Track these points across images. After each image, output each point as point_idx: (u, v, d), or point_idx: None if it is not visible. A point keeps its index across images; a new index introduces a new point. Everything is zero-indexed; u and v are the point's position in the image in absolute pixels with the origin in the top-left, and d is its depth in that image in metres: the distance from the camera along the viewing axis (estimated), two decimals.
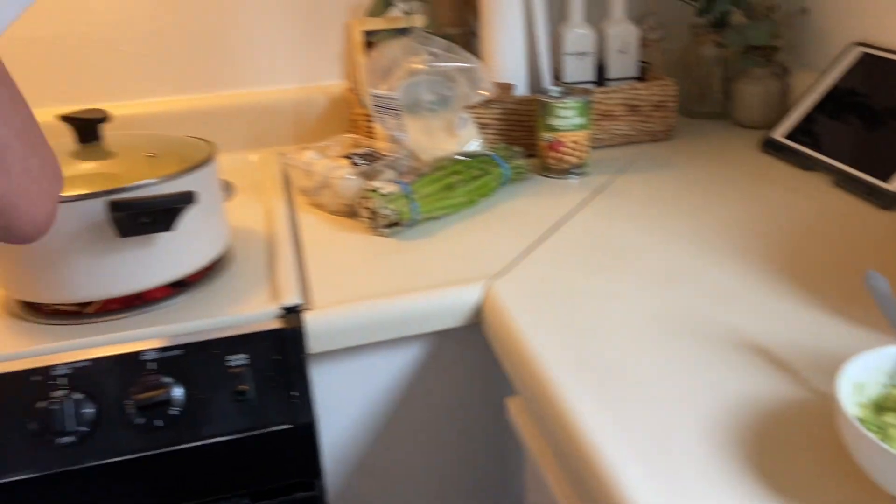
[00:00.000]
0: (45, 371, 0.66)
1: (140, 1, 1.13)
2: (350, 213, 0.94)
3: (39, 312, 0.74)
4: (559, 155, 1.02)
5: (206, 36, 1.18)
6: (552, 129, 1.00)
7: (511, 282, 0.76)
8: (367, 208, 0.88)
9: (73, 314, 0.73)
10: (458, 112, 0.98)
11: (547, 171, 1.04)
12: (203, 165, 0.76)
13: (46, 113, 1.18)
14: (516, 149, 1.03)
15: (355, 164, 0.95)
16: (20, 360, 0.67)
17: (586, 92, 1.03)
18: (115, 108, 1.22)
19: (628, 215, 0.91)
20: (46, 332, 0.71)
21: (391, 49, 0.95)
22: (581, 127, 1.00)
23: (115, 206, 0.66)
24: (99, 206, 0.67)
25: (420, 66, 0.92)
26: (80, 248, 0.69)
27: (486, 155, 0.99)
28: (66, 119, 0.76)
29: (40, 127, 0.47)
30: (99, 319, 0.73)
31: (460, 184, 0.92)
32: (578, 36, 1.14)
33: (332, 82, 1.26)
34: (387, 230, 0.88)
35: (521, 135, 1.08)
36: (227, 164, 0.95)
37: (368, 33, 1.20)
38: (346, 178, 0.91)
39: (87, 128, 0.76)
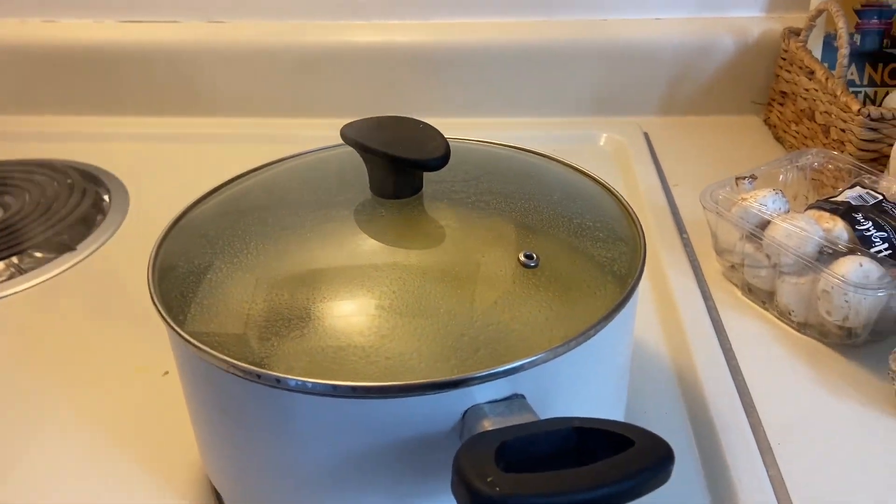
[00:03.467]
0: None
1: None
2: (836, 336, 0.48)
3: None
4: None
5: None
6: None
7: None
8: None
9: None
10: None
11: None
12: (632, 290, 0.33)
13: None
14: None
15: (866, 241, 0.47)
16: None
17: None
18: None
19: None
20: None
21: None
22: None
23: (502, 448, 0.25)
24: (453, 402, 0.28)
25: None
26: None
27: None
28: (361, 147, 0.35)
29: None
30: None
31: None
32: None
33: (750, 14, 0.75)
34: None
35: None
36: (555, 143, 0.66)
37: None
38: (849, 282, 0.44)
39: (400, 172, 0.35)
